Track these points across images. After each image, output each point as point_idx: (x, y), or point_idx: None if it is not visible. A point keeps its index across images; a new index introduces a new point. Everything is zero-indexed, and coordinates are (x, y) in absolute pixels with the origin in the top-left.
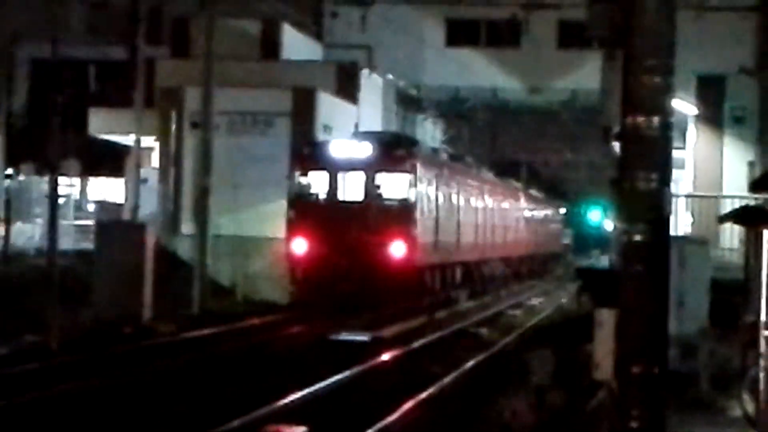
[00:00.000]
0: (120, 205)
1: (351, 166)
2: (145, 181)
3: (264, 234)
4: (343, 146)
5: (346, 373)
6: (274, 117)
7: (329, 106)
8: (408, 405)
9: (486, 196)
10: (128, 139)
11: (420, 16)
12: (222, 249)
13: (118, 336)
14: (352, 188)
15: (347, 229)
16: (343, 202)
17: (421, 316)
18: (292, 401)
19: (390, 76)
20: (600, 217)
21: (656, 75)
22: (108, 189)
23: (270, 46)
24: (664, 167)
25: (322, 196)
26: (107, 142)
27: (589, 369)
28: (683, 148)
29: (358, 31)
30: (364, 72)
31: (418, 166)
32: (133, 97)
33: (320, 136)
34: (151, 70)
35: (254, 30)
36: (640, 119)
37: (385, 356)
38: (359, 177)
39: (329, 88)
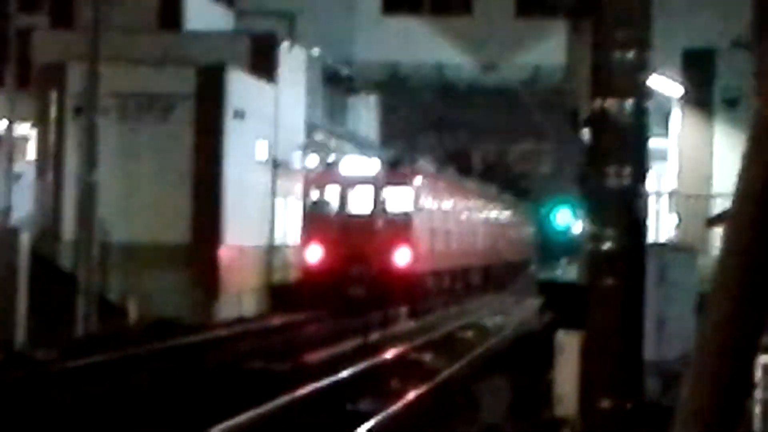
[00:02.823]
0: None
1: (359, 183)
2: (18, 176)
3: (164, 240)
4: (352, 164)
5: (259, 410)
6: (174, 100)
7: (242, 86)
8: None
9: (470, 205)
10: None
11: None
12: (113, 258)
13: None
14: (360, 203)
15: (357, 240)
16: (353, 215)
17: (354, 338)
18: None
19: (315, 50)
20: (568, 219)
21: (629, 49)
22: None
23: (170, 15)
24: (638, 161)
25: (334, 209)
26: None
27: (550, 403)
28: (666, 136)
29: None
30: (284, 45)
31: (419, 183)
32: (5, 74)
33: (230, 122)
34: (27, 42)
35: None
36: (611, 102)
37: (305, 389)
38: (367, 192)
39: (242, 65)
